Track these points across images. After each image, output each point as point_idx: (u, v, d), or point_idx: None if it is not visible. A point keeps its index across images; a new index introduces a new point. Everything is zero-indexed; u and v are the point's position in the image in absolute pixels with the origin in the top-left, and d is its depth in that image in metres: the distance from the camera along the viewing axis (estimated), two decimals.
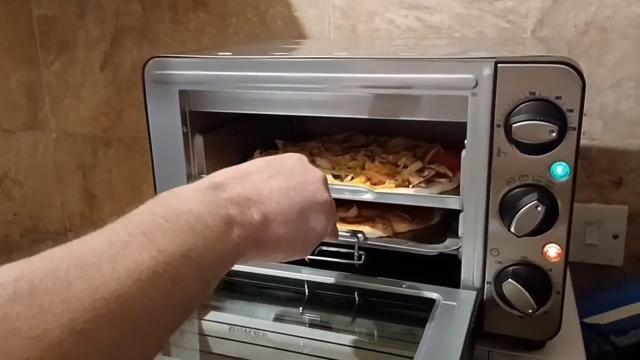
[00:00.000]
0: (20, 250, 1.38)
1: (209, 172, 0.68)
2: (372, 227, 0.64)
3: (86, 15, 1.15)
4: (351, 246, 0.60)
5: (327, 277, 0.59)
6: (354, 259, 0.59)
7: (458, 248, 0.57)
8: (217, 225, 0.36)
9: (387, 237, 0.63)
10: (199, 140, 0.66)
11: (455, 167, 0.61)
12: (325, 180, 0.48)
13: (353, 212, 0.67)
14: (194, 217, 0.35)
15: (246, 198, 0.40)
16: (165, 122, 0.64)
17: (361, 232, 0.62)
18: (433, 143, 0.74)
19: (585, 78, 0.89)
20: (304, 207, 0.44)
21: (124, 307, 0.29)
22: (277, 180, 0.44)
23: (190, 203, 0.36)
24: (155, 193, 0.66)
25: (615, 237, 0.93)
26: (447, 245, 0.59)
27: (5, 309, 0.25)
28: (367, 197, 0.61)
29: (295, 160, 0.48)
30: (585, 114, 0.90)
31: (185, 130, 0.64)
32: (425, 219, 0.67)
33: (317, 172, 0.48)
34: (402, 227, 0.65)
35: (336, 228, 0.52)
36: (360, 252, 0.60)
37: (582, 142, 0.90)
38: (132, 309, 0.29)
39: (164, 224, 0.33)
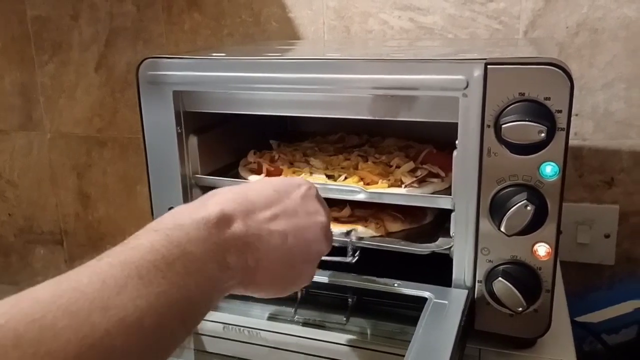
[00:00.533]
0: (15, 251, 1.38)
1: (203, 172, 0.68)
2: (365, 226, 0.64)
3: (80, 16, 1.15)
4: (344, 245, 0.60)
5: (320, 277, 0.59)
6: (346, 257, 0.60)
7: (450, 247, 0.57)
8: (213, 275, 0.36)
9: (380, 236, 0.64)
10: (193, 140, 0.66)
11: (448, 167, 0.62)
12: (326, 227, 0.47)
13: (346, 212, 0.67)
14: (193, 262, 0.34)
15: (246, 242, 0.39)
16: (160, 123, 0.64)
17: (353, 229, 0.62)
18: (425, 143, 0.75)
19: (577, 79, 0.90)
20: (296, 257, 0.44)
21: (109, 355, 0.28)
22: (280, 222, 0.42)
23: (193, 244, 0.35)
24: (150, 194, 0.67)
25: (607, 236, 0.94)
26: (439, 245, 0.60)
27: None
28: (360, 196, 0.62)
29: (303, 194, 0.46)
30: (576, 115, 0.91)
31: (180, 131, 0.64)
32: (418, 218, 0.67)
33: (320, 216, 0.46)
34: (394, 226, 0.65)
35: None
36: (356, 247, 0.60)
37: (574, 142, 0.92)
38: (115, 356, 0.29)
39: (163, 267, 0.32)
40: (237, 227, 0.39)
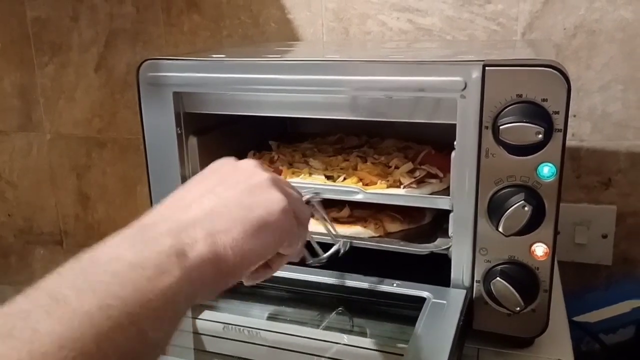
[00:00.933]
0: (14, 252, 1.38)
1: None
2: (364, 227, 0.65)
3: (80, 17, 1.16)
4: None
5: (319, 277, 0.60)
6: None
7: (448, 247, 0.58)
8: (151, 264, 0.32)
9: (379, 237, 0.64)
10: (193, 141, 0.67)
11: (446, 168, 0.62)
12: (257, 164, 0.44)
13: (345, 212, 0.68)
14: (120, 263, 0.31)
15: (180, 224, 0.36)
16: (160, 124, 0.64)
17: (346, 238, 0.61)
18: (424, 144, 0.76)
19: (574, 80, 0.91)
20: (242, 193, 0.40)
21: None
22: (209, 194, 0.39)
23: (116, 251, 0.32)
24: (150, 194, 0.67)
25: (604, 237, 0.94)
26: (438, 245, 0.60)
27: None
28: (359, 197, 0.62)
29: (221, 164, 0.44)
30: (574, 116, 0.92)
31: (180, 132, 0.65)
32: (417, 219, 0.68)
33: (247, 162, 0.44)
34: (393, 227, 0.66)
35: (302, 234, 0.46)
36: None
37: (571, 143, 0.93)
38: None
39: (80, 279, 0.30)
40: (163, 225, 0.36)
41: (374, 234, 0.64)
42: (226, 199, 0.39)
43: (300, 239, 0.45)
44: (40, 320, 0.27)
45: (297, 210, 0.42)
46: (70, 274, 0.31)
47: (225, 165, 0.44)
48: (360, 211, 0.68)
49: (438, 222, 0.67)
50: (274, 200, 0.40)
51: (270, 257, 0.41)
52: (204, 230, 0.35)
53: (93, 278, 0.30)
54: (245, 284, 0.44)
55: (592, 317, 0.89)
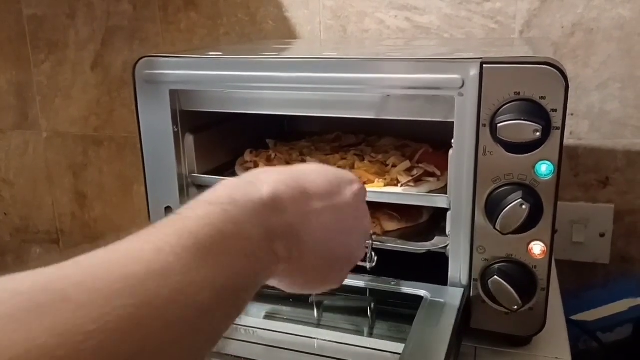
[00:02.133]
0: (11, 251, 1.38)
1: (199, 171, 0.68)
2: None
3: (77, 15, 1.15)
4: None
5: None
6: (365, 261, 0.59)
7: (445, 246, 0.58)
8: (263, 260, 0.33)
9: (376, 235, 0.64)
10: (189, 139, 0.67)
11: (444, 166, 0.62)
12: (367, 233, 0.46)
13: None
14: (247, 243, 0.32)
15: (294, 233, 0.36)
16: (156, 122, 0.64)
17: (374, 232, 0.62)
18: (422, 142, 0.75)
19: (572, 79, 0.91)
20: (337, 257, 0.41)
21: (162, 329, 0.25)
22: (328, 216, 0.39)
23: (248, 223, 0.32)
24: (146, 193, 0.67)
25: (602, 235, 0.94)
26: (435, 244, 0.60)
27: None
28: None
29: (355, 193, 0.43)
30: (571, 114, 0.92)
31: (176, 130, 0.64)
32: (414, 217, 0.67)
33: (365, 222, 0.44)
34: (391, 225, 0.66)
35: None
36: (373, 251, 0.60)
37: (569, 141, 0.93)
38: (169, 332, 0.26)
39: (219, 242, 0.30)
40: (289, 214, 0.36)
41: (371, 233, 0.63)
42: (328, 240, 0.40)
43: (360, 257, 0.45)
44: (190, 263, 0.27)
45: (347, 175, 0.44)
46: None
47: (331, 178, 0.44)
48: None
49: (435, 220, 0.66)
50: (362, 239, 0.43)
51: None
52: (291, 252, 0.36)
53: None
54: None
55: (590, 315, 0.89)
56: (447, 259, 0.57)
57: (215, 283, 0.28)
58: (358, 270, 0.57)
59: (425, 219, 0.68)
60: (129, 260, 0.26)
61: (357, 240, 0.43)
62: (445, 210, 0.57)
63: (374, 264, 0.59)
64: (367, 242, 0.59)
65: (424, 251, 0.60)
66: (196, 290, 0.27)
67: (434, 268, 0.58)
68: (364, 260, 0.58)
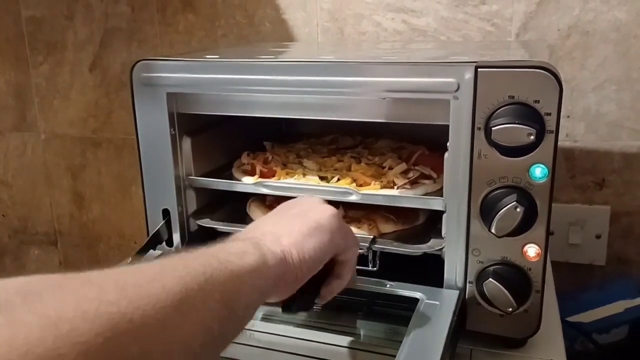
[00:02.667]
0: (9, 252, 1.38)
1: (196, 173, 0.68)
2: (358, 227, 0.65)
3: (75, 17, 1.16)
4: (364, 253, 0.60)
5: None
6: (367, 265, 0.60)
7: (442, 248, 0.58)
8: (235, 247, 0.41)
9: (373, 237, 0.64)
10: (186, 142, 0.67)
11: (440, 169, 0.62)
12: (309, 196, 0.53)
13: (340, 212, 0.68)
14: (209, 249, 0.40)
15: (252, 235, 0.45)
16: (153, 124, 0.64)
17: (374, 236, 0.62)
18: (418, 145, 0.76)
19: (568, 81, 0.91)
20: (299, 210, 0.50)
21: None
22: (272, 217, 0.50)
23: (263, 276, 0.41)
24: (144, 195, 0.67)
25: (598, 237, 0.95)
26: (431, 246, 0.60)
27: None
28: (353, 198, 0.62)
29: (308, 204, 0.52)
30: (568, 116, 0.92)
31: (173, 132, 0.65)
32: (411, 220, 0.68)
33: (302, 197, 0.55)
34: (387, 227, 0.66)
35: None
36: (376, 253, 0.60)
37: (565, 143, 0.93)
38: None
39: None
40: (294, 263, 0.44)
41: (367, 235, 0.63)
42: (287, 216, 0.49)
43: (354, 248, 0.52)
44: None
45: (343, 224, 0.51)
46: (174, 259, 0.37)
47: (284, 203, 0.54)
48: (354, 212, 0.68)
49: (431, 223, 0.67)
50: (325, 209, 0.50)
51: (329, 258, 0.48)
52: (271, 237, 0.44)
53: (195, 253, 0.38)
54: (322, 303, 0.51)
55: (586, 317, 0.89)
56: (442, 261, 0.57)
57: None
58: (361, 273, 0.59)
59: (421, 221, 0.68)
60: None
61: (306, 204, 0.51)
62: (442, 212, 0.57)
63: (376, 267, 0.60)
64: (366, 245, 0.59)
65: (419, 253, 0.60)
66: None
67: (429, 270, 0.58)
68: (367, 263, 0.59)
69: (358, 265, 0.55)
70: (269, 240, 0.43)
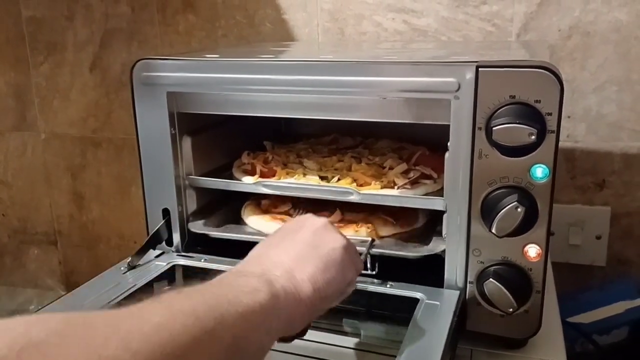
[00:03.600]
0: (9, 252, 1.38)
1: (197, 173, 0.68)
2: (356, 230, 0.64)
3: (75, 17, 1.15)
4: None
5: None
6: (366, 268, 0.58)
7: (441, 251, 0.58)
8: (247, 283, 0.39)
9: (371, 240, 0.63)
10: (187, 141, 0.67)
11: (440, 169, 0.62)
12: (349, 249, 0.49)
13: (336, 216, 0.67)
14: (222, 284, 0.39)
15: (263, 268, 0.43)
16: (154, 124, 0.64)
17: (373, 239, 0.61)
18: (419, 145, 0.76)
19: (569, 81, 0.91)
20: (309, 235, 0.47)
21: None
22: (281, 244, 0.47)
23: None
24: (144, 194, 0.67)
25: (598, 238, 0.95)
26: (431, 249, 0.60)
27: None
28: (353, 198, 0.62)
29: (315, 230, 0.49)
30: (568, 117, 0.92)
31: (174, 132, 0.64)
32: (410, 222, 0.67)
33: (304, 215, 0.52)
34: (385, 230, 0.65)
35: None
36: (374, 257, 0.59)
37: (566, 144, 0.93)
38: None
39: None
40: (308, 300, 0.43)
41: (365, 238, 0.62)
42: (298, 243, 0.46)
43: (354, 284, 0.50)
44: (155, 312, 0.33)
45: (355, 255, 0.49)
46: (186, 290, 0.37)
47: (287, 224, 0.52)
48: (352, 214, 0.68)
49: (432, 224, 0.66)
50: (337, 239, 0.48)
51: (340, 293, 0.47)
52: (283, 269, 0.43)
53: (204, 289, 0.37)
54: None
55: (586, 317, 0.89)
56: (443, 261, 0.57)
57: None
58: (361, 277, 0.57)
59: (421, 224, 0.68)
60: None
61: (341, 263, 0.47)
62: (442, 213, 0.57)
63: (375, 271, 0.59)
64: (363, 249, 0.58)
65: (419, 257, 0.59)
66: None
67: (430, 270, 0.58)
68: (365, 267, 0.58)
69: None
70: (282, 275, 0.42)
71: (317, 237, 0.47)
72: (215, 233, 0.67)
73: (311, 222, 0.49)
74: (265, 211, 0.71)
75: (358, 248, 0.55)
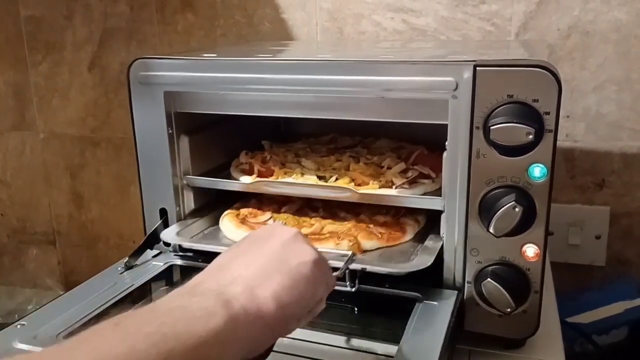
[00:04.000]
0: (8, 252, 1.38)
1: (194, 173, 0.68)
2: (337, 244, 0.61)
3: (74, 16, 1.15)
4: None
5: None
6: (346, 285, 0.55)
7: (428, 266, 0.54)
8: (201, 307, 0.35)
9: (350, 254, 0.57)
10: (184, 141, 0.67)
11: (439, 169, 0.62)
12: (282, 223, 0.47)
13: (317, 227, 0.65)
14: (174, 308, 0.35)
15: (221, 283, 0.39)
16: (151, 123, 0.64)
17: (353, 253, 0.56)
18: (417, 145, 0.75)
19: (568, 81, 0.91)
20: (277, 248, 0.42)
21: None
22: (245, 254, 0.42)
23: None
24: (141, 195, 0.67)
25: (598, 237, 0.94)
26: (416, 265, 0.55)
27: None
28: (351, 197, 0.62)
29: (252, 232, 0.46)
30: (568, 116, 0.92)
31: (171, 132, 0.64)
32: (396, 237, 0.63)
33: (275, 223, 0.47)
34: (369, 244, 0.62)
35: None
36: (353, 272, 0.55)
37: (565, 144, 0.93)
38: None
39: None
40: (271, 321, 0.38)
41: (346, 252, 0.57)
42: (262, 256, 0.42)
43: (331, 289, 0.45)
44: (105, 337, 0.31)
45: (327, 270, 0.44)
46: (130, 317, 0.34)
47: (256, 232, 0.47)
48: (335, 226, 0.65)
49: (420, 239, 0.63)
50: (306, 251, 0.43)
51: (308, 311, 0.42)
52: (244, 285, 0.38)
53: (149, 317, 0.33)
54: None
55: (586, 317, 0.89)
56: (441, 261, 0.57)
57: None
58: (340, 294, 0.54)
59: (408, 239, 0.64)
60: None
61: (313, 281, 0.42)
62: (431, 226, 0.56)
63: (355, 287, 0.55)
64: (341, 264, 0.53)
65: (403, 274, 0.55)
66: None
67: (427, 270, 0.57)
68: (344, 282, 0.55)
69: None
70: (242, 292, 0.37)
71: (285, 250, 0.42)
72: (187, 244, 0.64)
73: (280, 232, 0.44)
74: (243, 221, 0.68)
75: (335, 263, 0.51)
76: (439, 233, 0.58)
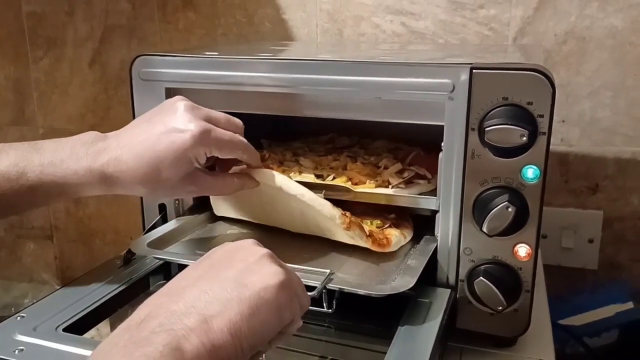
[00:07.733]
0: (5, 246, 1.38)
1: None
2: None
3: (75, 12, 1.16)
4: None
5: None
6: (322, 305, 0.52)
7: (408, 289, 0.51)
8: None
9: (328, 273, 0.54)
10: None
11: (434, 170, 0.62)
12: (255, 241, 0.43)
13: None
14: None
15: (172, 315, 0.35)
16: None
17: (331, 272, 0.53)
18: (414, 146, 0.76)
19: (564, 86, 0.92)
20: (239, 272, 0.39)
21: None
22: (203, 278, 0.39)
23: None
24: None
25: (591, 241, 0.96)
26: (396, 287, 0.52)
27: None
28: (347, 195, 0.63)
29: (215, 249, 0.43)
30: (563, 121, 0.93)
31: None
32: (382, 244, 0.59)
33: (245, 241, 0.43)
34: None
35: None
36: (331, 292, 0.52)
37: (560, 148, 0.94)
38: None
39: None
40: (229, 355, 0.35)
41: (324, 270, 0.54)
42: (221, 279, 0.38)
43: (305, 309, 0.43)
44: None
45: (298, 291, 0.41)
46: None
47: (220, 248, 0.43)
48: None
49: (404, 259, 0.60)
50: (269, 272, 0.39)
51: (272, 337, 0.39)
52: (198, 317, 0.35)
53: None
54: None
55: (578, 320, 0.90)
56: (435, 260, 0.58)
57: None
58: (318, 315, 0.53)
59: (393, 260, 0.59)
60: None
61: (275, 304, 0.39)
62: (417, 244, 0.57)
63: (332, 308, 0.52)
64: (317, 284, 0.51)
65: (383, 296, 0.51)
66: None
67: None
68: (321, 304, 0.52)
69: (311, 306, 0.45)
70: (195, 327, 0.34)
71: (247, 274, 0.39)
72: (159, 256, 0.61)
73: (244, 255, 0.41)
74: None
75: (311, 283, 0.50)
76: (432, 234, 0.59)
